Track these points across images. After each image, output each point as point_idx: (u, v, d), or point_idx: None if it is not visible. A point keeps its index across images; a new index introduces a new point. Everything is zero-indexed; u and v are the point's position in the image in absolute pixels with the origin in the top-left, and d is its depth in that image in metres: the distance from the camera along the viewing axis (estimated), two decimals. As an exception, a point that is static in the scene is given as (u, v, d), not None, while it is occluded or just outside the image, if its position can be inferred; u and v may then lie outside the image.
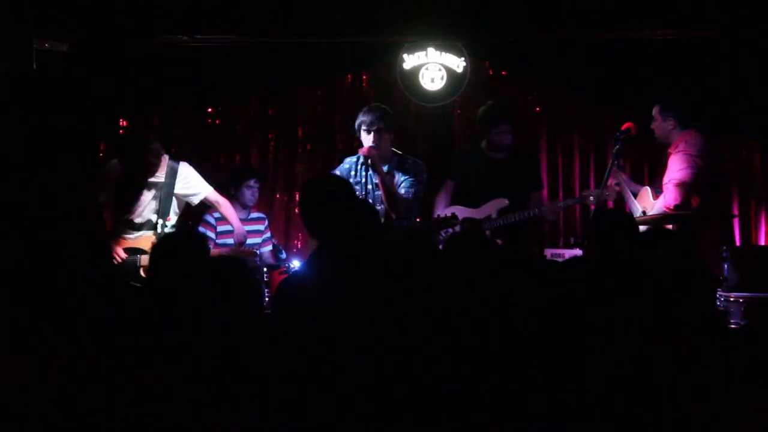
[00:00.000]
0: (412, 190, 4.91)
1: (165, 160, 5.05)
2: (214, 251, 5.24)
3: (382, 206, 4.83)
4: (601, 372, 2.41)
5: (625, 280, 2.92)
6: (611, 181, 5.19)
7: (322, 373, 2.42)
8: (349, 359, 2.45)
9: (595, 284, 3.15)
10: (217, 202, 5.27)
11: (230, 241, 5.51)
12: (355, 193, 3.21)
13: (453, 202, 5.42)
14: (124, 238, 5.04)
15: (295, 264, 5.48)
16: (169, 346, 2.47)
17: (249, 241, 5.66)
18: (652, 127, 5.09)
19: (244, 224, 5.52)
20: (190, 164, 5.23)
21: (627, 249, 3.36)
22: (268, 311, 4.91)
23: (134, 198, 5.03)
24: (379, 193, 4.85)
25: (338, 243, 2.89)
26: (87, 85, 5.75)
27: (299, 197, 3.23)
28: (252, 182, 5.78)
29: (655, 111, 5.08)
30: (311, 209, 3.00)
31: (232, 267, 2.82)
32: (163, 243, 3.32)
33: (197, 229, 5.67)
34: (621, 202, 5.60)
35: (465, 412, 2.34)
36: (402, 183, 4.91)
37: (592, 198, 5.08)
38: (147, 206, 5.05)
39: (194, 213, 5.80)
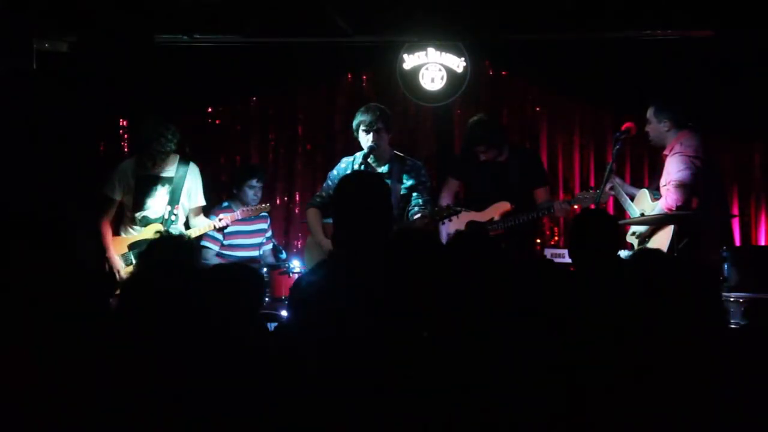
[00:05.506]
0: (425, 195, 4.87)
1: (176, 157, 5.20)
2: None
3: None
4: (600, 371, 2.41)
5: (623, 279, 2.92)
6: (607, 187, 5.18)
7: (335, 375, 2.42)
8: (359, 362, 2.45)
9: (589, 284, 3.16)
10: (197, 216, 5.34)
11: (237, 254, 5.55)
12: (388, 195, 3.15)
13: (456, 200, 5.41)
14: (130, 234, 5.09)
15: (295, 264, 5.48)
16: (174, 348, 2.47)
17: (252, 240, 5.73)
18: (647, 129, 5.09)
19: (247, 223, 5.61)
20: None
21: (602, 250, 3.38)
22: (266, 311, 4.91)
23: (149, 193, 5.12)
24: None
25: (359, 239, 2.89)
26: (87, 85, 5.75)
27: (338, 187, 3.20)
28: (254, 182, 5.73)
29: (649, 113, 5.06)
30: (345, 200, 3.00)
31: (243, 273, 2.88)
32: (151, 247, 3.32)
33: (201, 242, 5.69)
34: (619, 206, 5.59)
35: (467, 412, 2.34)
36: (414, 193, 4.83)
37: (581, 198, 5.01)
38: (160, 201, 5.16)
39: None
